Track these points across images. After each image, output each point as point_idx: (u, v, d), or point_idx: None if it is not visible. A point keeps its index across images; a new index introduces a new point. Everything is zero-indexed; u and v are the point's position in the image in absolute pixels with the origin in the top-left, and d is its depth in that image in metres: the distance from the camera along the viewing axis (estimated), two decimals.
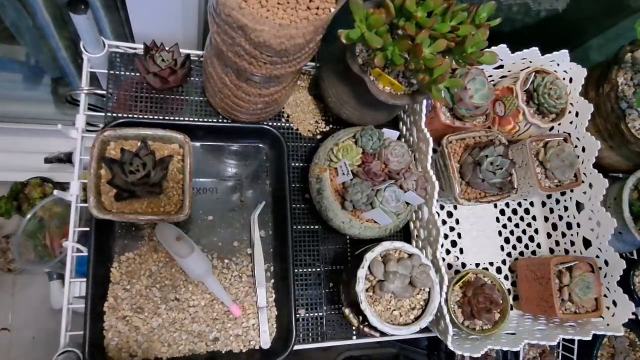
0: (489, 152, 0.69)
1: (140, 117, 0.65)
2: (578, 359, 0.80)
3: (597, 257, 0.74)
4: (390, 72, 0.59)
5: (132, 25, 0.70)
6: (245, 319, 0.63)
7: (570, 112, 0.77)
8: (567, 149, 0.74)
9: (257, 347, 0.62)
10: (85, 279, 0.56)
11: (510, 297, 0.78)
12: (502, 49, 0.69)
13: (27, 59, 0.94)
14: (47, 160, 1.06)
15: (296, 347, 0.61)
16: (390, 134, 0.68)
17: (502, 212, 0.85)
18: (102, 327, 0.57)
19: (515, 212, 0.85)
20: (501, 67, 0.75)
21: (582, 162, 0.75)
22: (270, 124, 0.71)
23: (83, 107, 0.65)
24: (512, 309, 0.78)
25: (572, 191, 0.78)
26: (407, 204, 0.66)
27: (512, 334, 0.70)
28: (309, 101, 0.75)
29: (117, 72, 0.66)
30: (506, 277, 0.81)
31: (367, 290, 0.60)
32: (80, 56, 0.66)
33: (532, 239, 0.84)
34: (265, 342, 0.62)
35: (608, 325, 0.71)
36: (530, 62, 0.75)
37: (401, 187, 0.65)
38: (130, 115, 0.65)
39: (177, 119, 0.67)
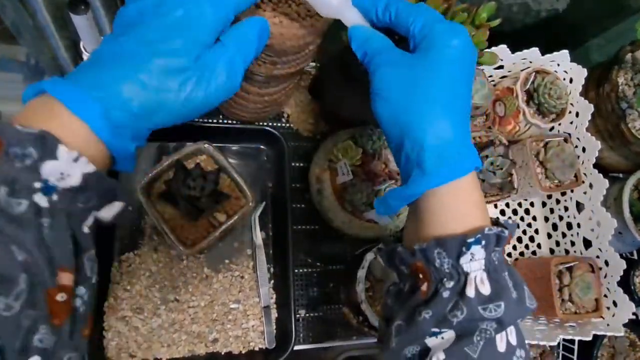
0: (489, 152, 0.69)
1: None
2: (578, 359, 0.80)
3: (597, 257, 0.74)
4: None
5: None
6: (245, 320, 0.63)
7: (570, 112, 0.77)
8: (567, 149, 0.74)
9: (257, 349, 0.62)
10: None
11: None
12: (502, 49, 0.69)
13: (27, 59, 0.94)
14: None
15: (296, 347, 0.61)
16: None
17: (502, 212, 0.85)
18: (101, 327, 0.57)
19: (515, 212, 0.85)
20: (501, 67, 0.75)
21: (582, 162, 0.75)
22: (270, 124, 0.71)
23: None
24: None
25: (572, 191, 0.78)
26: None
27: None
28: (309, 101, 0.75)
29: None
30: None
31: (367, 290, 0.60)
32: (81, 56, 0.66)
33: (532, 239, 0.84)
34: (271, 341, 0.62)
35: (608, 325, 0.71)
36: (530, 62, 0.75)
37: None
38: None
39: None
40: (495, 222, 0.36)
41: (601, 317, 0.72)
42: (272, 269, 0.67)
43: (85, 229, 0.29)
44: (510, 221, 0.84)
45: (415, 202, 0.36)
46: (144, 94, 0.30)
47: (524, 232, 0.84)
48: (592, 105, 0.74)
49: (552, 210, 0.83)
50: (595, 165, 0.73)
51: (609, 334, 0.69)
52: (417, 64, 0.35)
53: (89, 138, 0.29)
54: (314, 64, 0.74)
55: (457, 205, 0.34)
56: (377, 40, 0.37)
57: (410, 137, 0.34)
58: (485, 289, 0.32)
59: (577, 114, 0.76)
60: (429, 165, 0.33)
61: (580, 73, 0.76)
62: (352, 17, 0.39)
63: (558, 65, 0.78)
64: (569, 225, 0.80)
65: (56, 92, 0.28)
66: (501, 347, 0.32)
